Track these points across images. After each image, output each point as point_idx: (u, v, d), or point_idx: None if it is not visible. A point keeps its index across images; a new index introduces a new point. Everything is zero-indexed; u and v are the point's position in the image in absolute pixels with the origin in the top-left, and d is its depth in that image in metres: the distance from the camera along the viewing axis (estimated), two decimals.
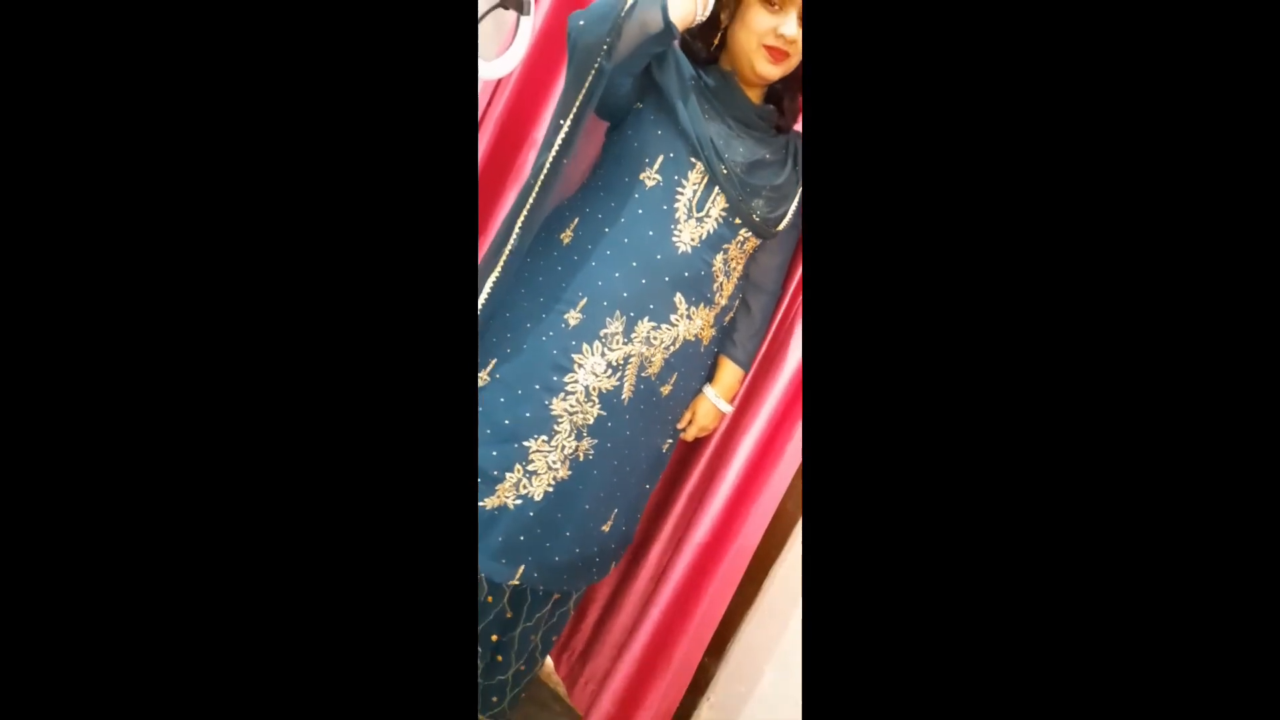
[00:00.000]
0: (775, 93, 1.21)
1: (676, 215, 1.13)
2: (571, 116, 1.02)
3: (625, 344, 1.14)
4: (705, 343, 1.22)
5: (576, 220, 1.17)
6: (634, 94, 1.12)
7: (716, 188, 1.13)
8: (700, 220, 1.14)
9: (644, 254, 1.13)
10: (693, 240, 1.14)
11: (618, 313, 1.13)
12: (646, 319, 1.14)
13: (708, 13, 1.04)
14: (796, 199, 1.19)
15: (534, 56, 1.37)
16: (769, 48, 1.09)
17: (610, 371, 1.14)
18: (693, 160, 1.11)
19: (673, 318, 1.15)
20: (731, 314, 1.26)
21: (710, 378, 1.30)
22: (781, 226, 1.19)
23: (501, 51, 1.33)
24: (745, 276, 1.26)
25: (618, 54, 0.99)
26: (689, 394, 1.28)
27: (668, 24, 0.98)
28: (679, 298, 1.15)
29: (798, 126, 1.25)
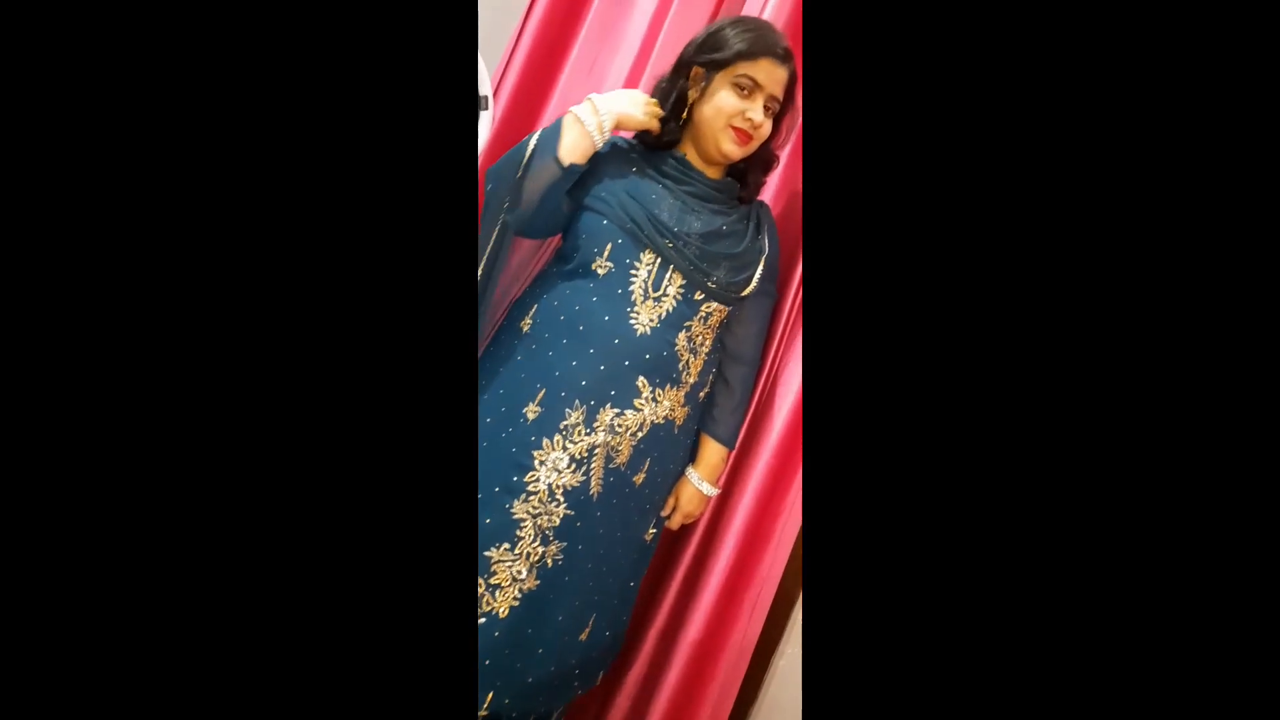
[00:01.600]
0: (737, 169, 1.18)
1: (633, 298, 1.07)
2: (485, 257, 1.08)
3: (588, 435, 1.05)
4: (680, 423, 1.14)
5: (535, 307, 1.12)
6: (574, 202, 1.11)
7: (671, 266, 1.08)
8: (658, 300, 1.08)
9: (601, 339, 1.07)
10: (651, 321, 1.08)
11: (577, 402, 1.06)
12: (608, 406, 1.06)
13: (604, 136, 1.06)
14: (761, 265, 1.14)
15: (534, 52, 1.36)
16: (735, 129, 1.08)
17: (574, 466, 1.05)
18: (643, 242, 1.07)
19: (636, 402, 1.07)
20: (707, 390, 1.19)
21: (693, 458, 1.21)
22: (748, 291, 1.13)
23: None
24: (720, 349, 1.19)
25: (525, 204, 1.06)
26: (669, 478, 1.19)
27: (565, 167, 1.04)
28: (641, 381, 1.07)
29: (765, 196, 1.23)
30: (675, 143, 1.16)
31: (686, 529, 1.31)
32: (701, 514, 1.26)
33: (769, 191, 1.34)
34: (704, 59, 1.09)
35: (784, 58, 1.08)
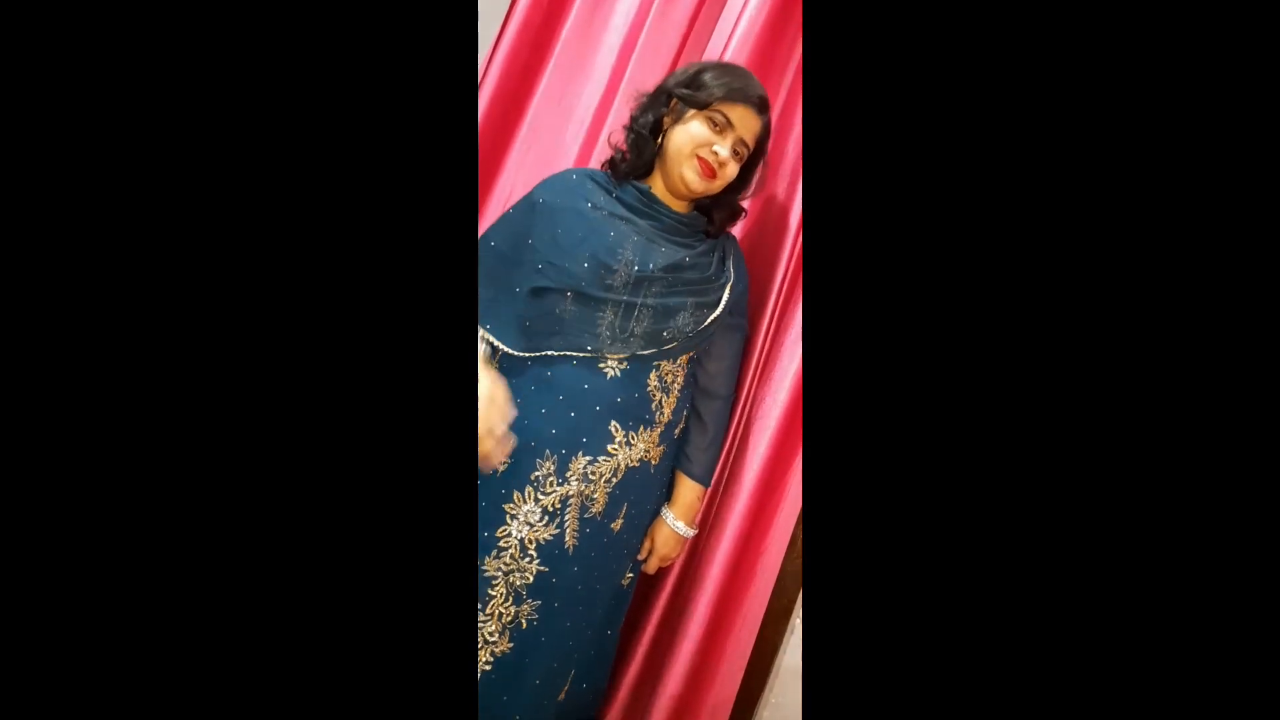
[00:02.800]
0: (704, 206, 1.15)
1: (601, 337, 1.03)
2: None
3: (560, 485, 1.00)
4: (655, 462, 1.10)
5: (499, 353, 1.07)
6: (534, 256, 1.06)
7: (636, 307, 1.04)
8: (626, 342, 1.04)
9: (569, 386, 1.02)
10: (620, 364, 1.03)
11: (547, 452, 1.01)
12: (580, 454, 1.01)
13: (506, 425, 0.99)
14: (726, 294, 1.10)
15: (502, 83, 1.32)
16: (701, 159, 1.06)
17: (547, 519, 1.00)
18: (608, 282, 1.03)
19: (610, 448, 1.03)
20: (681, 426, 1.15)
21: (669, 497, 1.16)
22: (711, 321, 1.09)
23: None
24: (693, 384, 1.15)
25: None
26: (648, 518, 1.14)
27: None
28: (614, 425, 1.03)
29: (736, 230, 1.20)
30: (645, 174, 1.13)
31: (662, 572, 1.26)
32: (678, 556, 1.21)
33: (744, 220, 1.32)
34: (682, 94, 1.07)
35: (760, 107, 1.07)
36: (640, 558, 1.15)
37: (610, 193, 1.09)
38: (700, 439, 1.16)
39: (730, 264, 1.14)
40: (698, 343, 1.10)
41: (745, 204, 1.19)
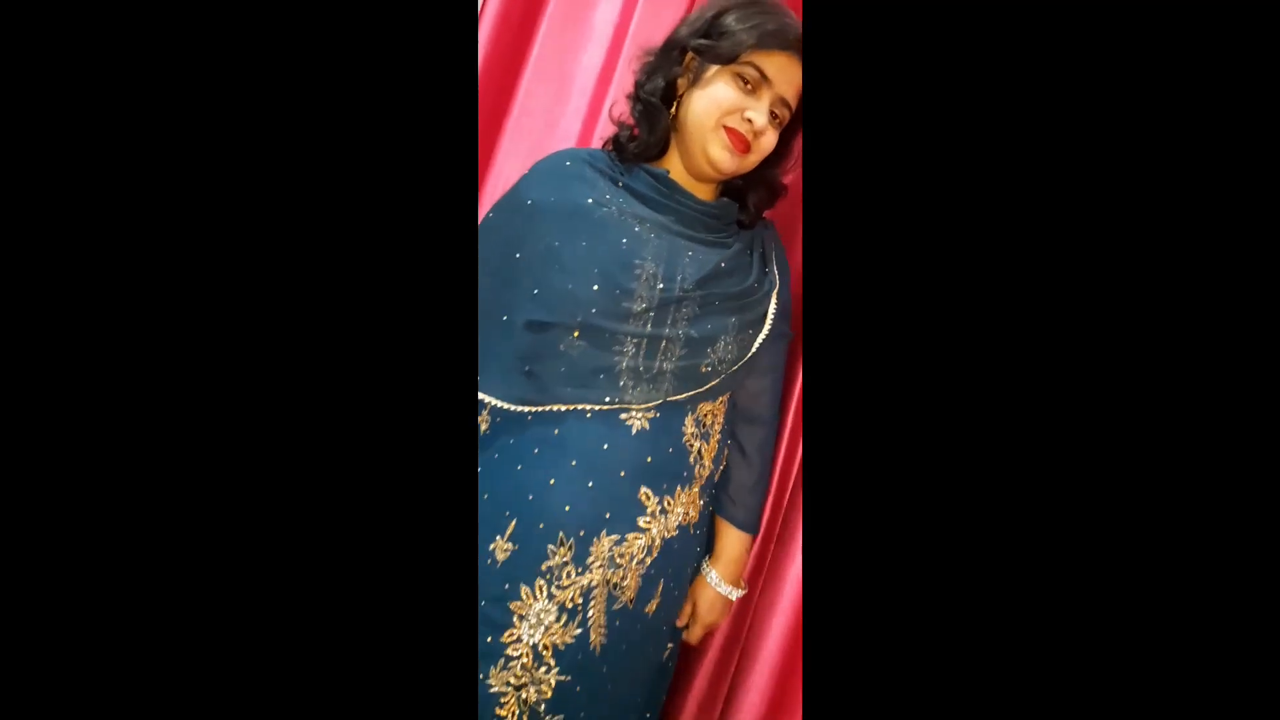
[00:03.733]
0: (735, 188, 0.90)
1: (620, 382, 0.79)
2: None
3: (581, 574, 0.78)
4: (696, 519, 0.87)
5: (492, 402, 0.82)
6: (529, 280, 0.82)
7: (664, 340, 0.80)
8: (654, 384, 0.80)
9: (584, 447, 0.79)
10: (648, 414, 0.80)
11: (561, 536, 0.78)
12: (604, 534, 0.79)
13: None
14: (774, 303, 0.86)
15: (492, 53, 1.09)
16: (730, 130, 0.80)
17: (567, 618, 0.78)
18: (625, 307, 0.78)
19: (642, 521, 0.80)
20: (720, 469, 0.91)
21: (710, 549, 0.93)
22: (761, 340, 0.86)
23: None
24: (731, 408, 0.92)
25: None
26: (688, 583, 0.92)
27: None
28: (645, 493, 0.80)
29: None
30: (659, 153, 0.87)
31: (708, 638, 1.05)
32: (725, 619, 0.99)
33: None
34: (699, 45, 0.80)
35: (798, 44, 0.80)
36: (680, 624, 0.94)
37: (617, 181, 0.84)
38: (744, 476, 0.92)
39: (774, 263, 0.89)
40: (745, 373, 0.86)
41: (786, 179, 0.94)
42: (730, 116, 0.80)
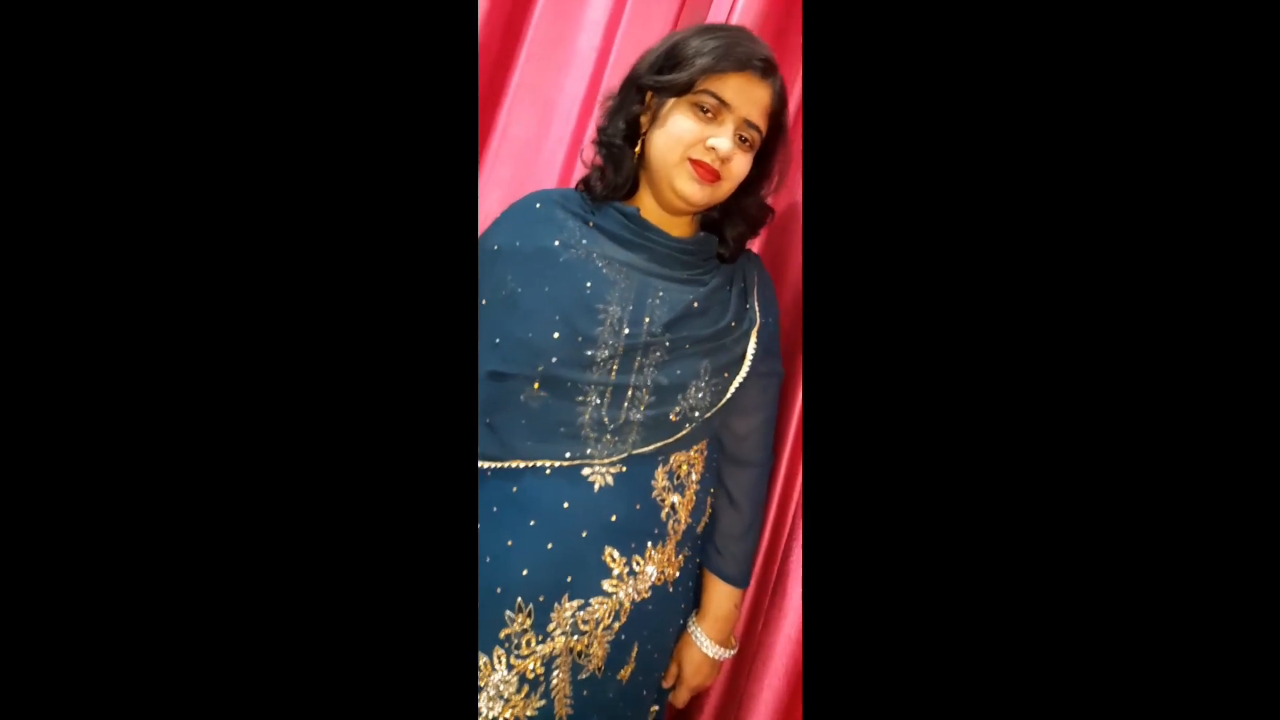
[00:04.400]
0: (711, 221, 0.84)
1: (583, 435, 0.74)
2: None
3: (542, 642, 0.73)
4: (675, 576, 0.81)
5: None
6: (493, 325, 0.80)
7: (629, 389, 0.75)
8: (619, 436, 0.74)
9: (544, 506, 0.74)
10: (613, 467, 0.74)
11: (519, 601, 0.73)
12: (566, 598, 0.73)
13: None
14: (753, 341, 0.80)
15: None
16: (694, 161, 0.76)
17: (529, 689, 0.73)
18: (588, 355, 0.74)
19: (607, 584, 0.74)
20: (703, 521, 0.84)
21: (696, 603, 0.87)
22: (739, 380, 0.79)
23: None
24: (718, 450, 0.85)
25: None
26: (670, 641, 0.85)
27: None
28: (610, 554, 0.74)
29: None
30: (630, 192, 0.83)
31: (698, 699, 0.98)
32: (714, 680, 0.92)
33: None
34: (659, 81, 0.77)
35: (764, 70, 0.76)
36: (666, 685, 0.87)
37: (588, 222, 0.80)
38: (732, 524, 0.85)
39: (755, 298, 0.83)
40: (721, 419, 0.80)
41: (769, 201, 0.87)
42: (694, 148, 0.76)
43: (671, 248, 0.80)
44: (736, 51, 0.75)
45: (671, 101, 0.77)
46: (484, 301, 0.78)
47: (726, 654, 0.86)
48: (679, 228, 0.83)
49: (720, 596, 0.85)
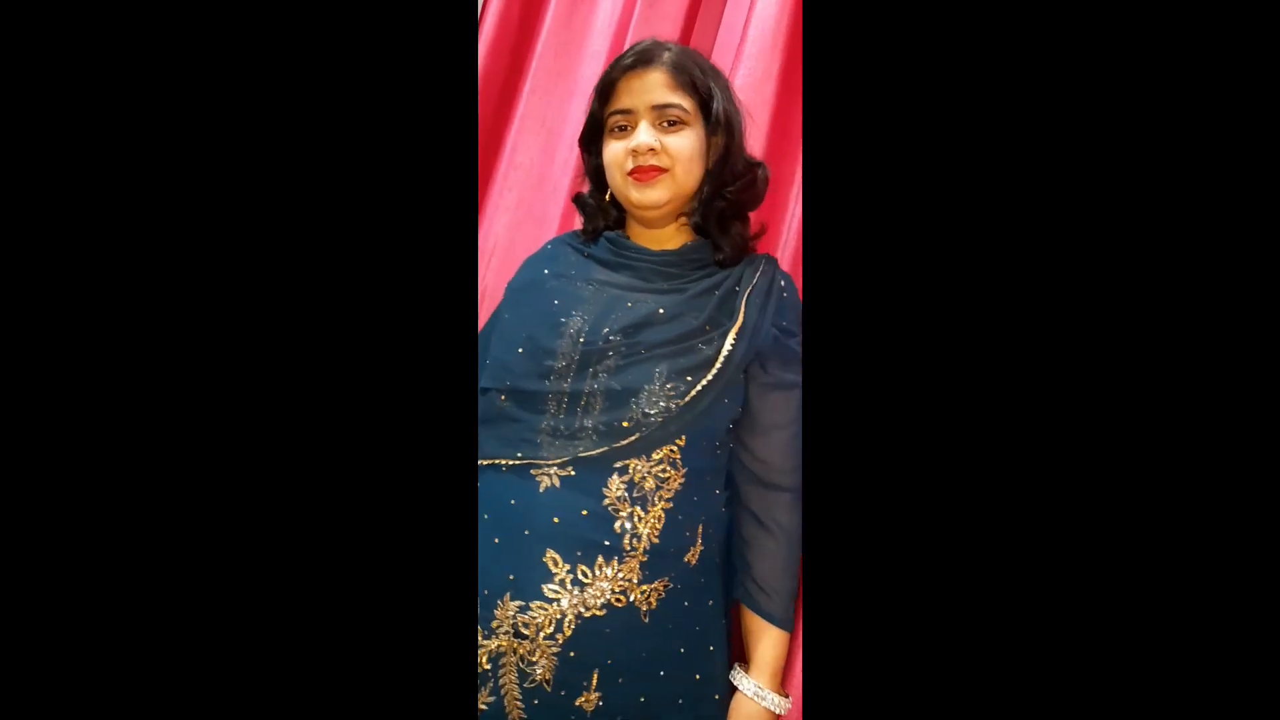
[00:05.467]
0: (699, 226, 0.86)
1: (538, 440, 0.76)
2: None
3: (487, 638, 0.75)
4: (651, 607, 0.75)
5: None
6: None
7: (584, 395, 0.76)
8: (571, 438, 0.76)
9: (495, 502, 0.77)
10: (561, 470, 0.75)
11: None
12: (508, 597, 0.74)
13: None
14: (728, 346, 0.77)
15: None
16: (631, 173, 0.81)
17: (480, 684, 0.75)
18: (547, 365, 0.78)
19: (548, 589, 0.74)
20: (697, 550, 0.78)
21: (741, 655, 0.81)
22: (701, 388, 0.76)
23: None
24: (743, 474, 0.82)
25: None
26: (668, 688, 0.76)
27: None
28: (552, 557, 0.75)
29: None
30: (619, 223, 0.90)
31: None
32: None
33: None
34: (584, 133, 0.88)
35: (643, 59, 0.81)
36: None
37: (583, 253, 0.87)
38: (772, 555, 0.79)
39: (752, 298, 0.80)
40: (682, 425, 0.77)
41: (755, 195, 0.86)
42: (625, 163, 0.81)
43: (653, 261, 0.83)
44: (619, 63, 0.82)
45: (603, 143, 0.85)
46: (491, 333, 0.87)
47: (777, 703, 0.78)
48: (667, 241, 0.86)
49: (769, 642, 0.79)
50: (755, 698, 0.78)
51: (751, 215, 0.89)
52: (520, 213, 1.14)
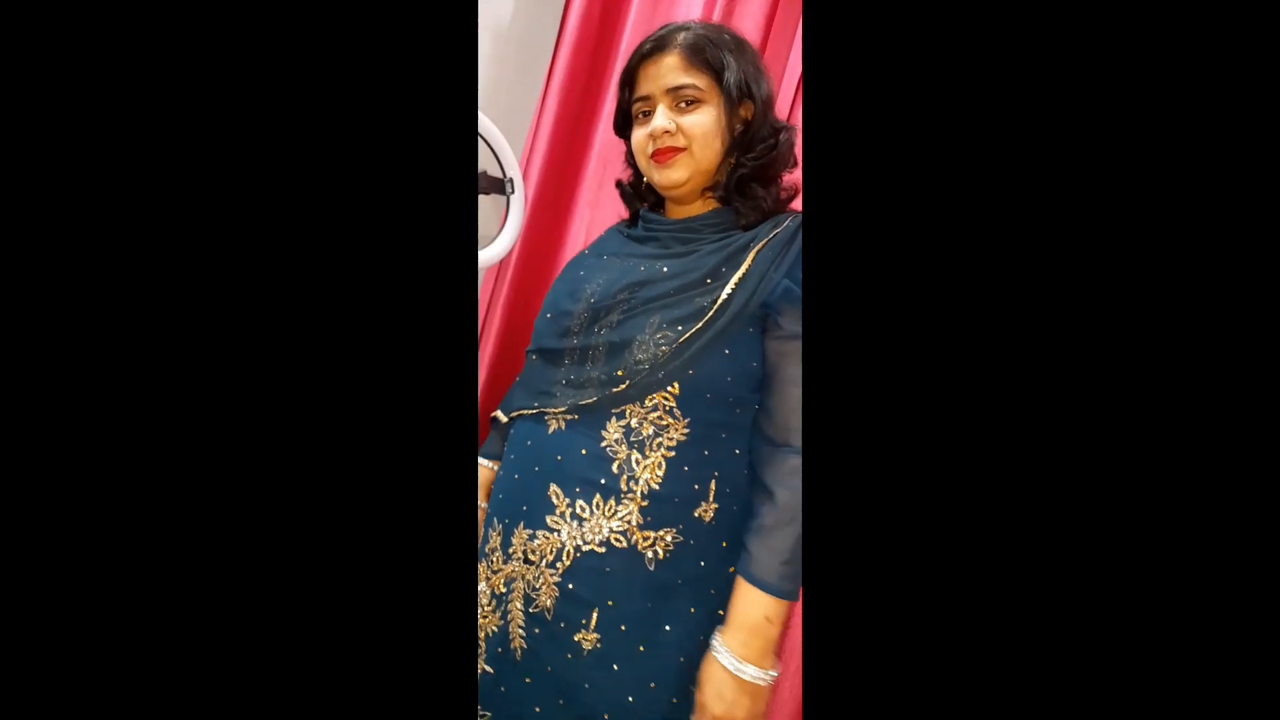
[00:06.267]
0: (723, 197, 0.88)
1: (553, 390, 0.84)
2: None
3: (505, 563, 0.82)
4: (658, 556, 0.75)
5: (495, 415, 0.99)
6: None
7: (591, 349, 0.83)
8: (579, 388, 0.82)
9: (517, 444, 0.86)
10: (567, 414, 0.81)
11: (495, 520, 0.85)
12: (522, 526, 0.81)
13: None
14: (724, 296, 0.76)
15: (558, 127, 1.28)
16: (652, 156, 0.87)
17: (495, 604, 0.82)
18: (565, 325, 0.86)
19: (550, 519, 0.79)
20: (710, 508, 0.77)
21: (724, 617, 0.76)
22: (693, 334, 0.76)
23: (497, 233, 1.27)
24: (756, 429, 0.80)
25: None
26: (665, 650, 0.75)
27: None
28: (554, 491, 0.80)
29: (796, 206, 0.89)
30: (659, 204, 0.96)
31: None
32: (757, 714, 0.74)
33: None
34: (615, 124, 0.96)
35: (655, 48, 0.86)
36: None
37: (624, 234, 0.95)
38: (767, 516, 0.75)
39: (760, 251, 0.78)
40: (667, 375, 0.77)
41: (779, 158, 0.86)
42: (648, 146, 0.86)
43: (672, 229, 0.87)
44: (638, 52, 0.87)
45: (633, 127, 0.91)
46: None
47: (754, 675, 0.72)
48: (694, 209, 0.90)
49: (744, 602, 0.74)
50: (724, 660, 0.72)
51: (785, 178, 0.88)
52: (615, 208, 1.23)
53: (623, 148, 1.27)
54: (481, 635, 0.83)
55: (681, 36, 0.85)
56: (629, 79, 0.89)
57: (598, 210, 1.27)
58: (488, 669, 0.82)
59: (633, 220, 0.96)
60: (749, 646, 0.72)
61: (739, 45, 0.86)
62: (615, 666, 0.75)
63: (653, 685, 0.75)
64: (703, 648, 0.75)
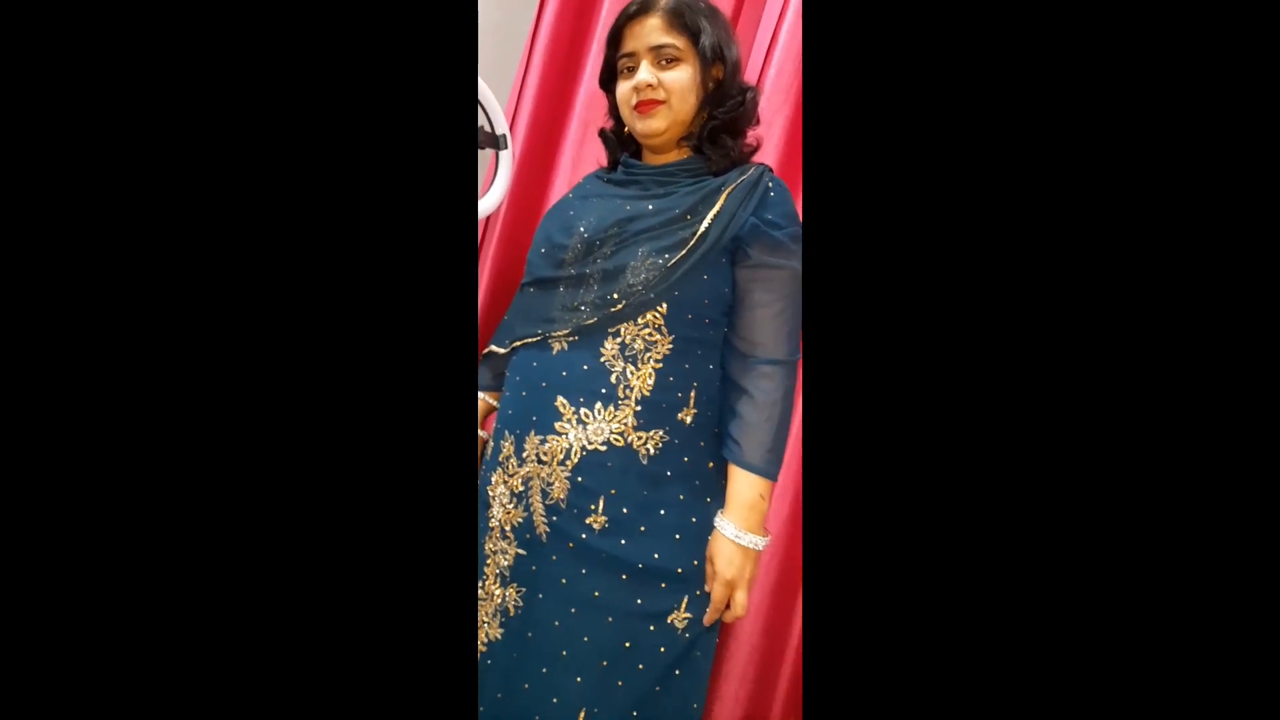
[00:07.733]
0: (696, 145, 1.02)
1: (552, 317, 0.98)
2: None
3: (521, 466, 0.98)
4: (650, 453, 0.92)
5: (490, 349, 1.13)
6: None
7: (585, 277, 0.97)
8: (574, 312, 0.96)
9: (522, 368, 1.01)
10: (568, 335, 0.96)
11: (506, 432, 1.01)
12: (533, 433, 0.97)
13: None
14: (703, 228, 0.91)
15: (545, 81, 1.38)
16: (635, 107, 0.99)
17: (516, 501, 0.99)
18: (559, 257, 1.00)
19: (558, 425, 0.95)
20: (690, 412, 0.94)
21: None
22: (679, 259, 0.90)
23: (485, 188, 1.38)
24: (730, 348, 0.97)
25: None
26: (663, 531, 0.91)
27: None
28: (561, 402, 0.96)
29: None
30: (637, 153, 1.08)
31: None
32: (750, 578, 0.93)
33: None
34: (604, 79, 1.06)
35: (640, 10, 0.97)
36: (705, 589, 0.92)
37: (603, 179, 1.08)
38: (748, 414, 0.93)
39: (731, 192, 0.93)
40: (657, 296, 0.92)
41: (745, 114, 1.00)
42: (631, 98, 0.98)
43: (650, 174, 1.01)
44: (620, 19, 0.99)
45: (617, 80, 1.02)
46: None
47: (752, 540, 0.91)
48: (670, 159, 1.03)
49: (740, 484, 0.92)
50: (722, 530, 0.91)
51: (750, 133, 1.02)
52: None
53: (603, 107, 1.41)
54: (508, 527, 1.00)
55: (664, 1, 0.97)
56: (615, 37, 1.00)
57: (580, 165, 1.39)
58: (521, 552, 0.98)
59: (613, 166, 1.09)
60: (747, 520, 0.92)
61: (713, 13, 0.99)
62: (623, 541, 0.92)
63: (656, 556, 0.92)
64: (693, 527, 0.93)
